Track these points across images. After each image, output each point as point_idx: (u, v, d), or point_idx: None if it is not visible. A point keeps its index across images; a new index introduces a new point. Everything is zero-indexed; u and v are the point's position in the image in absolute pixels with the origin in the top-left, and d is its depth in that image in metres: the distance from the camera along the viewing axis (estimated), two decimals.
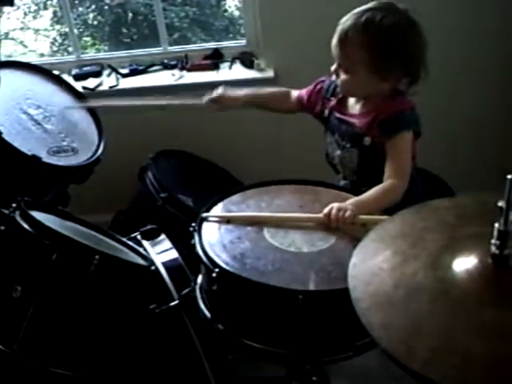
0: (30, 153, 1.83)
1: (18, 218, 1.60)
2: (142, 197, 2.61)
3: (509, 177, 0.97)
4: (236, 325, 1.51)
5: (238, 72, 2.84)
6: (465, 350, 0.94)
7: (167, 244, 1.89)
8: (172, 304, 1.69)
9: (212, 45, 2.99)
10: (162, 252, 1.85)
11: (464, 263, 1.06)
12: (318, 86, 1.99)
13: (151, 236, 1.95)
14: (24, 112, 2.00)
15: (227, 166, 2.77)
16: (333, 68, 1.82)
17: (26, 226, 1.57)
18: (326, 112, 1.95)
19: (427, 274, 1.07)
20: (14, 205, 1.64)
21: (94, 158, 2.02)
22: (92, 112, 2.17)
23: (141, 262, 1.70)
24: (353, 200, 1.66)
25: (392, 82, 1.79)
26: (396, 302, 1.04)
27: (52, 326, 1.55)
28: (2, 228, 1.59)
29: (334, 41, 1.77)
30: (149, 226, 1.99)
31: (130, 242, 1.82)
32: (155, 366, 1.65)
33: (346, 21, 1.75)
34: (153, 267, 1.68)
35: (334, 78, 1.86)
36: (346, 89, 1.85)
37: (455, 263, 1.07)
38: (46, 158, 1.86)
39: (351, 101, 1.91)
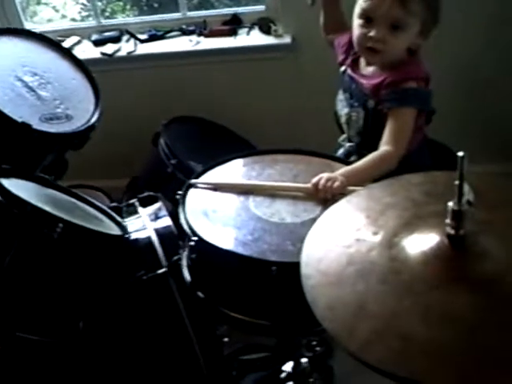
0: (20, 120, 1.83)
1: None
2: (154, 163, 2.62)
3: (460, 154, 0.92)
4: (215, 294, 1.51)
5: (256, 38, 2.80)
6: (405, 333, 0.90)
7: (163, 211, 1.89)
8: (160, 271, 1.69)
9: (231, 10, 2.94)
10: (156, 219, 1.85)
11: (420, 243, 1.02)
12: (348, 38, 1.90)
13: (148, 203, 1.96)
14: (19, 79, 1.99)
15: (247, 133, 2.74)
16: (378, 34, 1.71)
17: None
18: (344, 68, 1.93)
19: (382, 253, 1.03)
20: None
21: (87, 125, 2.00)
22: (91, 79, 2.16)
23: (113, 231, 1.71)
24: (343, 170, 1.63)
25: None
26: (345, 281, 1.00)
27: (22, 291, 1.57)
28: None
29: (390, 1, 1.67)
30: (146, 193, 2.00)
31: (109, 211, 1.82)
32: (138, 334, 1.67)
33: None
34: (127, 235, 1.68)
35: (375, 44, 1.74)
36: (390, 53, 1.76)
37: (411, 242, 1.03)
38: (37, 125, 1.85)
39: (363, 62, 1.87)
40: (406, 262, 1.00)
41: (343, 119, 1.92)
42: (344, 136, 1.97)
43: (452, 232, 0.98)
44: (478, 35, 2.63)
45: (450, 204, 0.96)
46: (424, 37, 1.76)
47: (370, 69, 1.84)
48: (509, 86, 2.72)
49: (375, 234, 1.08)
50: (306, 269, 1.05)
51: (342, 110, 1.92)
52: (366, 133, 1.85)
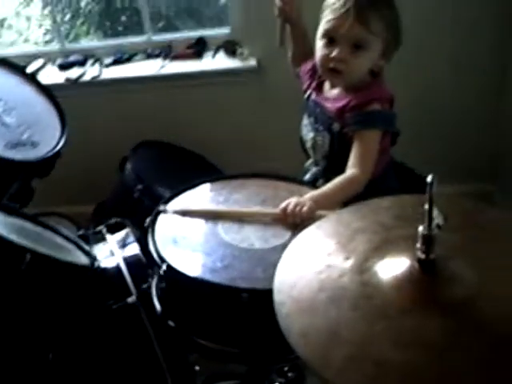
0: None
1: None
2: (121, 189, 2.59)
3: (429, 178, 0.93)
4: (186, 322, 1.49)
5: (221, 61, 2.80)
6: (379, 358, 0.90)
7: (131, 238, 1.87)
8: (129, 300, 1.66)
9: (196, 33, 2.95)
10: (124, 246, 1.83)
11: (391, 267, 1.02)
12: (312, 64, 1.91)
13: (116, 229, 1.93)
14: None
15: (213, 157, 2.73)
16: (341, 54, 1.72)
17: None
18: (308, 92, 1.94)
19: (353, 278, 1.03)
20: None
21: (53, 152, 1.97)
22: (56, 104, 2.13)
23: (82, 260, 1.68)
24: (311, 194, 1.63)
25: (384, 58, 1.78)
26: (317, 307, 1.00)
27: None
28: None
29: (351, 20, 1.67)
30: (113, 220, 1.98)
31: (77, 240, 1.79)
32: (108, 364, 1.63)
33: None
34: (96, 265, 1.65)
35: (337, 65, 1.74)
36: (353, 75, 1.76)
37: (382, 267, 1.03)
38: (3, 152, 1.82)
39: (327, 85, 1.89)
40: (377, 286, 1.00)
41: (309, 144, 1.92)
42: (310, 161, 1.97)
43: (422, 256, 0.98)
44: (444, 60, 2.69)
45: (420, 229, 0.97)
46: (386, 58, 1.78)
47: (334, 92, 1.85)
48: (477, 109, 2.78)
49: (346, 259, 1.08)
50: (278, 296, 1.04)
51: (308, 134, 1.92)
52: (332, 156, 1.85)
